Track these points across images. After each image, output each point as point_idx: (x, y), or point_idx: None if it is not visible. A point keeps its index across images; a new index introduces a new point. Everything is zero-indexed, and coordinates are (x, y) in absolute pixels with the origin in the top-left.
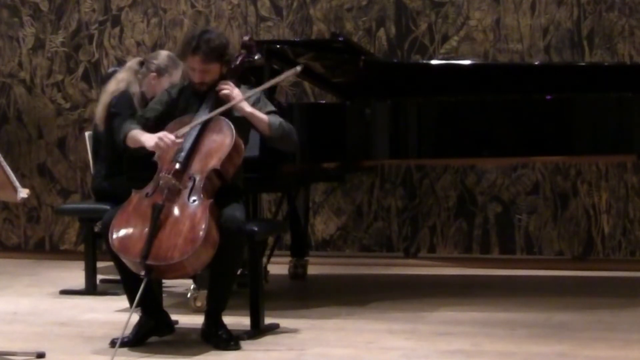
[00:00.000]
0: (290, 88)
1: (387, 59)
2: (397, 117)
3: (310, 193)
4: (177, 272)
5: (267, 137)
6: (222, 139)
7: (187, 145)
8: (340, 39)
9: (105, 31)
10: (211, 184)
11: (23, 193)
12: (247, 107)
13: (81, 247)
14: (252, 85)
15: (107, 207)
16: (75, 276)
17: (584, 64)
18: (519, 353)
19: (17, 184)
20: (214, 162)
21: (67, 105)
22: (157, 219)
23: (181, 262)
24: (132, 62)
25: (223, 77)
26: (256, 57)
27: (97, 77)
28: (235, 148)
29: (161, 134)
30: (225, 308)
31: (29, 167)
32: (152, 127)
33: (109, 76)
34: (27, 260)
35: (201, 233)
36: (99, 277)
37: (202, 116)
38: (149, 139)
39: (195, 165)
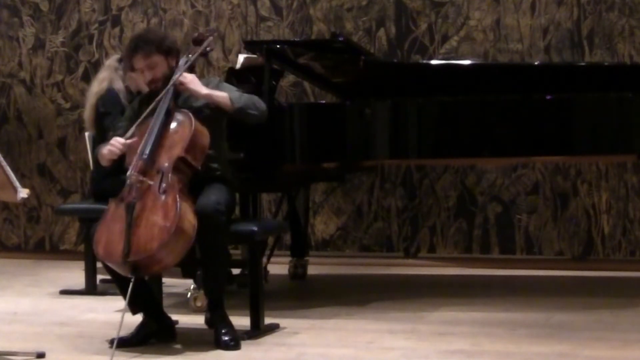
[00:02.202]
0: (290, 88)
1: (387, 59)
2: (397, 117)
3: (310, 193)
4: (160, 263)
5: (233, 112)
6: (182, 128)
7: (150, 141)
8: (340, 39)
9: (105, 31)
10: (181, 172)
11: (23, 193)
12: (203, 90)
13: (81, 247)
14: (252, 85)
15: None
16: (75, 276)
17: (584, 64)
18: (519, 353)
19: (17, 184)
20: (177, 151)
21: (67, 105)
22: (132, 217)
23: (159, 250)
24: (110, 60)
25: (173, 71)
26: (208, 50)
27: None
28: (196, 134)
29: (111, 140)
30: (224, 293)
31: (29, 167)
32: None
33: None
34: (27, 260)
35: (174, 218)
36: (99, 277)
37: (160, 113)
38: (103, 150)
39: (162, 159)
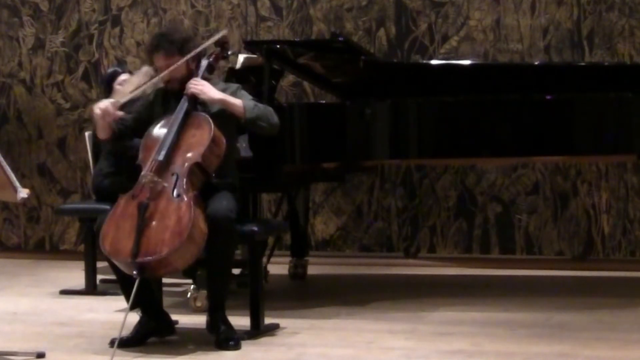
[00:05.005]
0: (290, 88)
1: (387, 59)
2: (397, 117)
3: (310, 193)
4: (168, 267)
5: (244, 121)
6: (200, 133)
7: (167, 142)
8: (340, 39)
9: (105, 31)
10: (195, 178)
11: (23, 193)
12: (217, 95)
13: (81, 247)
14: (252, 85)
15: (107, 207)
16: (75, 276)
17: (584, 64)
18: (519, 353)
19: (17, 184)
20: (195, 156)
21: (67, 105)
22: (144, 218)
23: (170, 255)
24: (147, 67)
25: (191, 73)
26: (230, 53)
27: (97, 77)
28: (214, 140)
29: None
30: (226, 299)
31: (29, 167)
32: (131, 129)
33: (109, 76)
34: (27, 260)
35: (187, 224)
36: (99, 277)
37: (178, 115)
38: (94, 117)
39: (177, 161)
